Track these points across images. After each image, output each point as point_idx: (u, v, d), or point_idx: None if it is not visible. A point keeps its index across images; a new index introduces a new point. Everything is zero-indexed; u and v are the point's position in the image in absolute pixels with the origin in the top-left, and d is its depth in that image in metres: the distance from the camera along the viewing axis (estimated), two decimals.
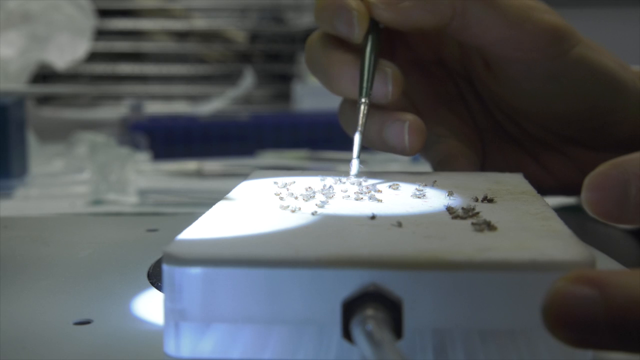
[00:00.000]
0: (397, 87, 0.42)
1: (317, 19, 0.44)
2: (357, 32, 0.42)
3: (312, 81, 1.40)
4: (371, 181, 0.39)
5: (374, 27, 0.43)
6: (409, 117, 0.42)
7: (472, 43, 0.45)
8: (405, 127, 0.42)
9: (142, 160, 0.92)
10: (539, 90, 0.45)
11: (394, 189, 0.37)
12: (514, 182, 0.39)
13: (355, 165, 0.40)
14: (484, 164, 0.49)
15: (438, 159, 0.46)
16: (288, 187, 0.37)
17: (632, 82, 0.45)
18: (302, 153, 0.95)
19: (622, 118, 0.46)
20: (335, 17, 0.43)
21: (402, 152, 0.42)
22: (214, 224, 0.29)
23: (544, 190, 0.37)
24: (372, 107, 0.42)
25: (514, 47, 0.43)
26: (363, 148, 0.42)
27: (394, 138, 0.42)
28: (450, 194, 0.35)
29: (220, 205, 0.33)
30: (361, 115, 0.41)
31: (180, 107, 1.56)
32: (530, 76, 0.45)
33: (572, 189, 0.49)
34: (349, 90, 0.43)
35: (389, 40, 0.48)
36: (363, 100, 0.41)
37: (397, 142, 0.42)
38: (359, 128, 0.41)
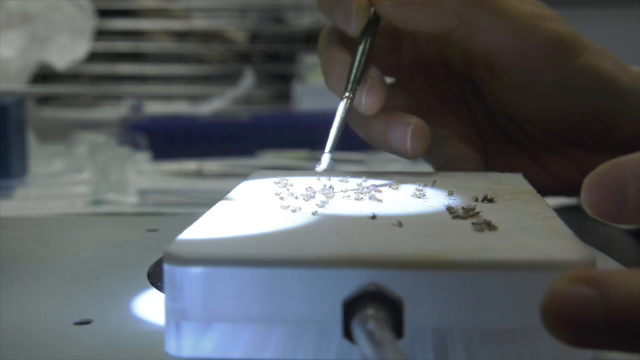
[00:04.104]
0: (377, 99, 0.41)
1: (319, 7, 0.44)
2: (354, 25, 0.42)
3: (312, 81, 1.40)
4: (371, 181, 0.39)
5: (373, 24, 0.43)
6: (413, 121, 0.42)
7: (477, 50, 0.45)
8: (408, 130, 0.41)
9: (142, 160, 0.92)
10: (541, 95, 0.45)
11: (393, 188, 0.37)
12: (514, 182, 0.39)
13: (325, 159, 0.39)
14: (485, 166, 0.49)
15: (443, 162, 0.46)
16: (288, 187, 0.37)
17: (633, 85, 0.45)
18: (302, 153, 0.95)
19: (624, 121, 0.46)
20: (335, 7, 0.42)
21: (404, 155, 0.42)
22: (215, 224, 0.29)
23: (544, 191, 0.37)
24: None
25: (520, 56, 0.43)
26: (367, 148, 0.42)
27: (397, 141, 0.42)
28: (450, 193, 0.35)
29: (220, 205, 0.33)
30: (340, 110, 0.41)
31: (180, 107, 1.56)
32: (533, 82, 0.44)
33: (573, 190, 0.48)
34: (337, 89, 0.42)
35: (396, 35, 0.48)
36: (346, 94, 0.41)
37: (400, 145, 0.42)
38: (336, 123, 0.40)
